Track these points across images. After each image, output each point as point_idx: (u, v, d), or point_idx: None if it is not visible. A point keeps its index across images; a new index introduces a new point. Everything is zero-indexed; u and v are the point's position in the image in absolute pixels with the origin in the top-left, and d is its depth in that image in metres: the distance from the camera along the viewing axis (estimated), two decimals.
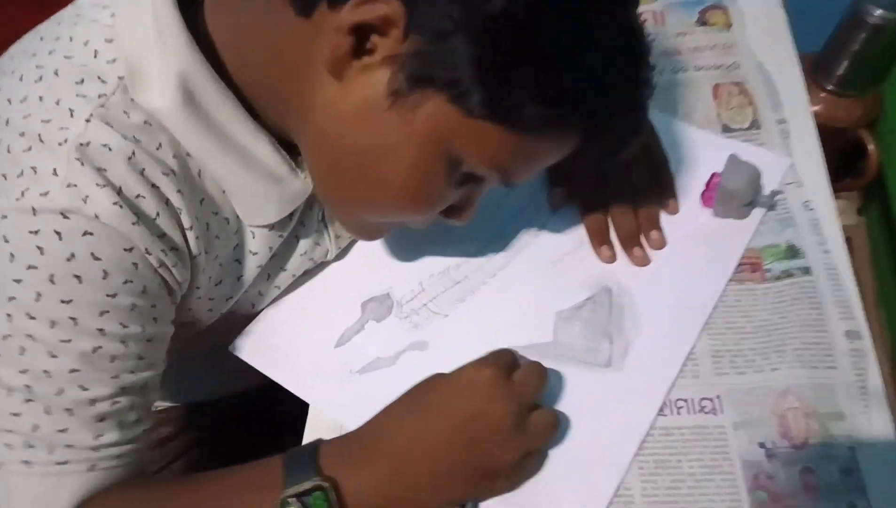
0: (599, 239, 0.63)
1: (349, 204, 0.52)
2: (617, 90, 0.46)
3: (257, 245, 0.55)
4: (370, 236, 0.58)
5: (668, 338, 0.58)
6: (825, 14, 1.18)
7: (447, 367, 0.53)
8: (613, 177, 0.64)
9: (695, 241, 0.63)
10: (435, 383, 0.50)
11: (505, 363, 0.50)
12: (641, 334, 0.58)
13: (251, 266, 0.56)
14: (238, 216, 0.53)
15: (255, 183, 0.51)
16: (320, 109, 0.47)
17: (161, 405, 0.77)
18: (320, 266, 0.64)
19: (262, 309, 0.62)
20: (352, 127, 0.46)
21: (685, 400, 0.55)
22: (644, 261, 0.62)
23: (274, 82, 0.48)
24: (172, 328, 0.52)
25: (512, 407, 0.48)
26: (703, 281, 0.61)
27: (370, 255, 0.65)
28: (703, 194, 0.64)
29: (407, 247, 0.65)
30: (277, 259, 0.59)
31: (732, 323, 0.58)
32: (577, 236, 0.64)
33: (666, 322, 0.59)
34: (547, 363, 0.56)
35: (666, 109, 0.72)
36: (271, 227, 0.55)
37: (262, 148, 0.51)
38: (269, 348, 0.60)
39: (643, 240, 0.63)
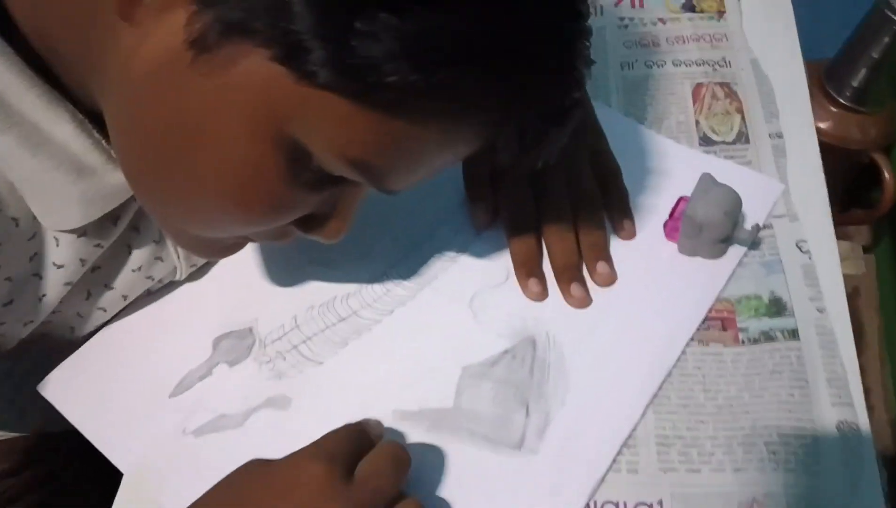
0: (527, 269, 0.49)
1: (164, 206, 0.38)
2: (531, 40, 0.30)
3: (63, 256, 0.41)
4: (209, 253, 0.44)
5: (601, 413, 0.44)
6: (841, 14, 1.03)
7: (308, 436, 0.40)
8: (549, 188, 0.50)
9: (651, 282, 0.49)
10: (252, 476, 0.36)
11: (344, 451, 0.36)
12: (567, 404, 0.44)
13: (55, 282, 0.42)
14: (35, 218, 0.39)
15: (47, 173, 0.37)
16: (115, 68, 0.33)
17: (2, 434, 0.64)
18: (168, 287, 0.50)
19: (86, 334, 0.48)
20: (149, 92, 0.32)
21: (615, 504, 0.41)
22: (583, 302, 0.48)
23: (64, 30, 0.34)
24: None
25: None
26: (656, 337, 0.46)
27: (234, 276, 0.51)
28: (665, 223, 0.50)
29: (283, 268, 0.51)
30: (99, 274, 0.45)
31: (689, 399, 0.44)
32: (504, 266, 0.50)
33: (602, 391, 0.44)
34: (440, 438, 0.43)
35: (629, 111, 0.58)
36: (81, 233, 0.41)
37: (62, 127, 0.37)
38: (82, 389, 0.46)
39: (585, 274, 0.49)
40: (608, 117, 0.55)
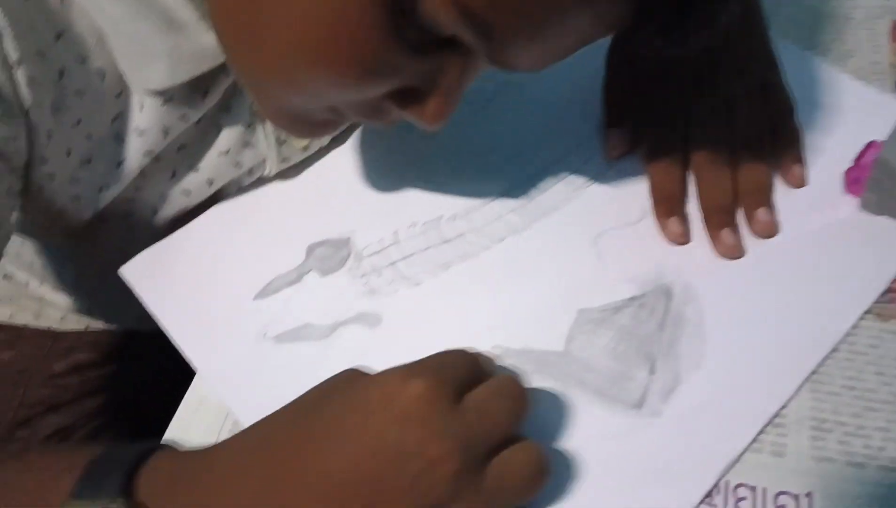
0: (668, 207, 0.42)
1: (250, 61, 0.33)
2: None
3: (146, 121, 0.38)
4: (299, 129, 0.38)
5: (744, 383, 0.36)
6: None
7: (396, 358, 0.35)
8: (704, 118, 0.42)
9: (824, 240, 0.40)
10: (349, 384, 0.31)
11: (453, 373, 0.31)
12: (702, 368, 0.37)
13: (136, 150, 0.39)
14: (122, 76, 0.36)
15: (136, 22, 0.34)
16: None
17: (93, 325, 0.63)
18: (259, 184, 0.46)
19: (169, 221, 0.45)
20: None
21: (753, 489, 0.33)
22: (735, 251, 0.40)
23: None
24: (11, 203, 0.36)
25: (453, 446, 0.28)
26: (823, 305, 0.38)
27: (334, 182, 0.46)
28: (847, 172, 0.41)
29: (388, 178, 0.46)
30: (186, 153, 0.42)
31: (857, 381, 0.36)
32: (639, 204, 0.43)
33: (747, 358, 0.37)
34: (545, 384, 0.36)
35: (809, 44, 0.49)
36: (167, 98, 0.38)
37: None
38: (165, 277, 0.43)
39: (740, 218, 0.41)
40: (784, 51, 0.46)
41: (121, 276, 0.44)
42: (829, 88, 0.46)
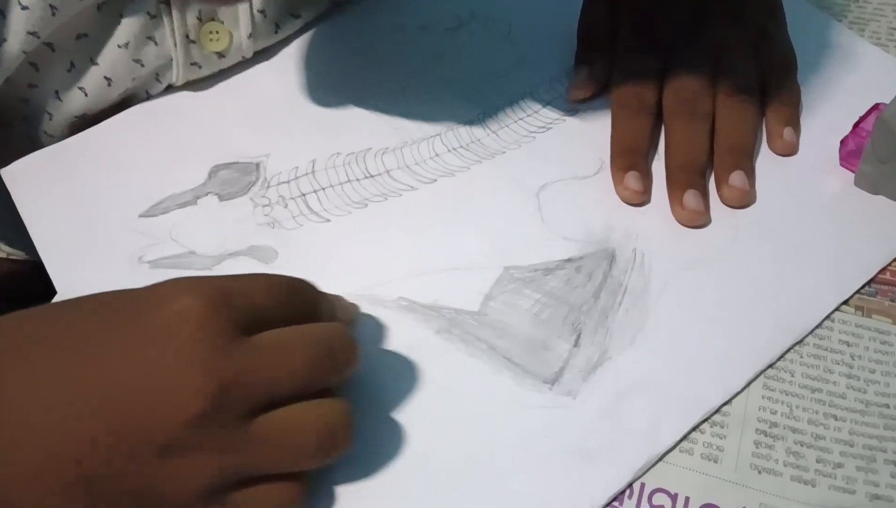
0: (628, 160, 0.36)
1: None
2: None
3: None
4: None
5: (681, 369, 0.30)
6: None
7: None
8: (684, 62, 0.36)
9: (806, 217, 0.34)
10: (140, 294, 0.25)
11: (254, 302, 0.24)
12: (635, 346, 0.31)
13: (18, 27, 0.34)
14: None
15: None
16: None
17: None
18: (173, 98, 0.41)
19: (64, 126, 0.40)
20: None
21: (674, 498, 0.27)
22: (696, 218, 0.34)
23: None
24: None
25: (206, 384, 0.22)
26: (795, 290, 0.32)
27: (253, 98, 0.41)
28: (844, 140, 0.35)
29: (318, 100, 0.40)
30: (84, 42, 0.37)
31: (822, 382, 0.30)
32: (597, 156, 0.37)
33: (690, 341, 0.31)
34: (448, 346, 0.31)
35: (824, 3, 0.42)
36: None
37: None
38: (50, 185, 0.38)
39: (714, 176, 0.36)
40: (793, 8, 0.40)
41: (2, 177, 0.39)
42: (838, 49, 0.40)
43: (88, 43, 0.37)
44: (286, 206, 0.36)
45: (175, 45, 0.38)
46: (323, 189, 0.37)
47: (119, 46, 0.37)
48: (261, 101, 0.41)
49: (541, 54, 0.41)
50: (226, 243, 0.35)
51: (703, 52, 0.37)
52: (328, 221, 0.36)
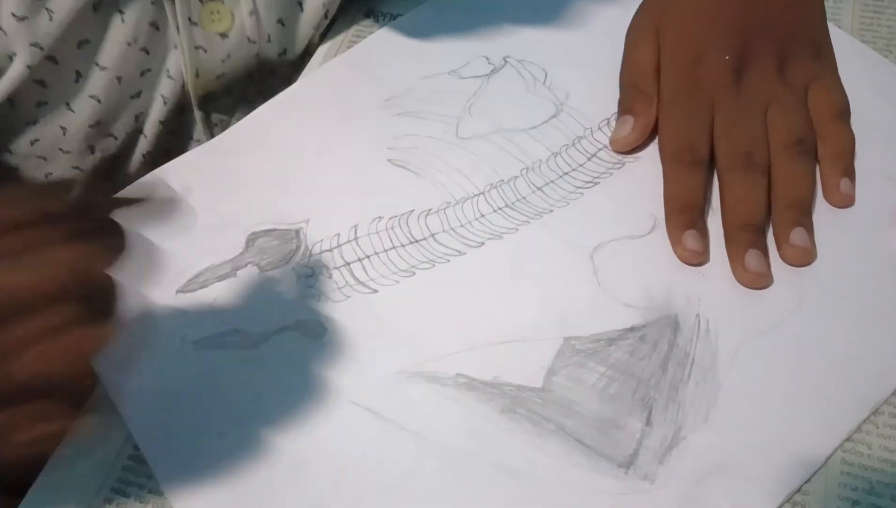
0: (685, 218, 0.35)
1: None
2: None
3: None
4: None
5: (760, 446, 0.29)
6: None
7: (338, 378, 0.29)
8: (735, 115, 0.36)
9: (871, 273, 0.33)
10: None
11: None
12: (710, 423, 0.30)
13: (22, 44, 0.36)
14: None
15: None
16: None
17: None
18: (200, 163, 0.39)
19: (81, 141, 0.41)
20: None
21: None
22: (759, 280, 0.33)
23: None
24: None
25: None
26: (867, 356, 0.31)
27: (292, 156, 0.39)
28: None
29: (353, 162, 0.39)
30: (86, 50, 0.38)
31: None
32: (650, 213, 0.36)
33: (766, 415, 0.30)
34: (514, 426, 0.30)
35: (867, 37, 0.41)
36: None
37: None
38: None
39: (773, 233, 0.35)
40: (839, 46, 0.39)
41: None
42: (888, 88, 0.39)
43: (91, 48, 0.38)
44: (331, 276, 0.35)
45: (178, 28, 0.39)
46: (367, 257, 0.35)
47: (123, 44, 0.38)
48: (292, 158, 0.39)
49: (581, 102, 0.40)
50: (270, 317, 0.34)
51: (753, 100, 0.36)
52: (376, 291, 0.34)
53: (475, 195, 0.37)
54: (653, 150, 0.38)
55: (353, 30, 0.45)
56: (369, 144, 0.39)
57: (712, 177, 0.36)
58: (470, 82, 0.41)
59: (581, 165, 0.38)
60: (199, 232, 0.37)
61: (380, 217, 0.37)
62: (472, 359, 0.32)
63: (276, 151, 0.40)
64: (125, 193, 0.26)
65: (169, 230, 0.27)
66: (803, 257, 0.33)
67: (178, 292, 0.35)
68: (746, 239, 0.33)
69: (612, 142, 0.38)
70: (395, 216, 0.37)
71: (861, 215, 0.35)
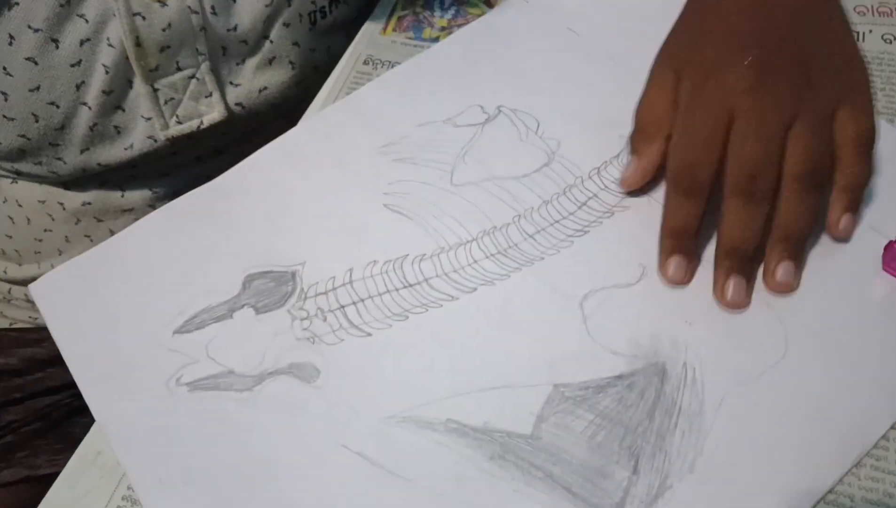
0: (677, 242, 0.35)
1: None
2: None
3: None
4: None
5: (749, 497, 0.29)
6: None
7: (335, 421, 0.29)
8: (749, 138, 0.34)
9: (855, 322, 0.34)
10: None
11: None
12: (697, 471, 0.30)
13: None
14: None
15: None
16: None
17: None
18: (200, 203, 0.40)
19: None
20: None
21: None
22: (737, 305, 0.34)
23: None
24: None
25: None
26: (850, 408, 0.32)
27: (287, 203, 0.40)
28: (888, 246, 0.35)
29: (348, 206, 0.40)
30: (17, 5, 0.41)
31: (884, 505, 0.29)
32: (638, 261, 0.37)
33: (756, 465, 0.30)
34: (502, 473, 0.30)
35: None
36: None
37: None
38: (78, 299, 0.37)
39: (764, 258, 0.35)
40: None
41: (31, 293, 0.38)
42: (883, 144, 0.40)
43: (22, 10, 0.40)
44: (325, 319, 0.36)
45: None
46: (362, 300, 0.36)
47: (55, 6, 0.40)
48: (289, 201, 0.40)
49: (572, 152, 0.41)
50: (265, 359, 0.34)
51: (774, 110, 0.35)
52: (369, 335, 0.35)
53: (468, 241, 0.38)
54: (642, 199, 0.39)
55: (351, 76, 0.47)
56: (365, 188, 0.40)
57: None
58: (465, 130, 0.43)
59: (572, 214, 0.39)
60: (197, 273, 0.37)
61: (375, 261, 0.37)
62: (462, 404, 0.33)
63: (273, 194, 0.40)
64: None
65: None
66: (785, 291, 0.34)
67: (174, 332, 0.35)
68: (731, 266, 0.34)
69: (622, 180, 0.38)
70: (390, 260, 0.37)
71: (847, 264, 0.36)
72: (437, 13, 0.49)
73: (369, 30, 0.49)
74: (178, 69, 0.45)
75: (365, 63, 0.47)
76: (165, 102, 0.46)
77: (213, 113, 0.47)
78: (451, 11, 0.49)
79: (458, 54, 0.46)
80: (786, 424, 0.31)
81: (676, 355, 0.34)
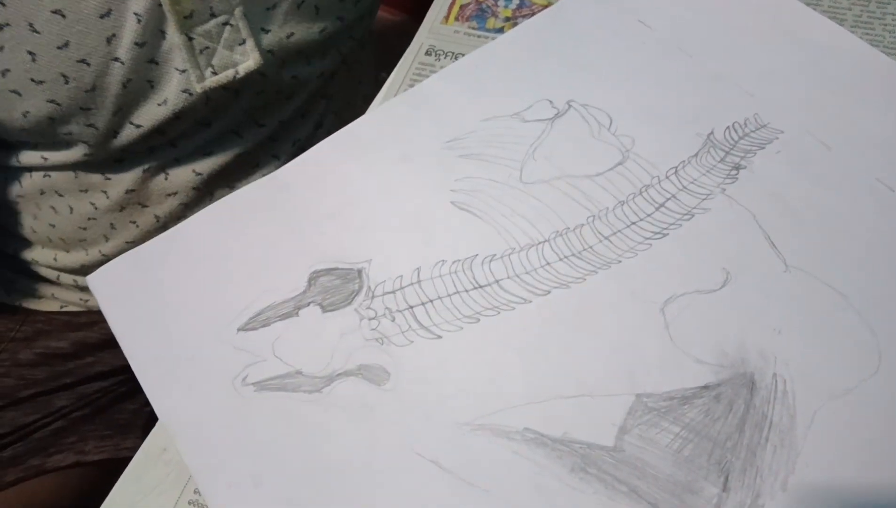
0: None
1: None
2: None
3: None
4: None
5: None
6: None
7: (400, 428, 0.28)
8: None
9: None
10: None
11: None
12: (790, 490, 0.29)
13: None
14: None
15: None
16: None
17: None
18: (251, 187, 0.39)
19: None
20: None
21: None
22: None
23: None
24: None
25: None
26: None
27: (355, 199, 0.39)
28: None
29: (417, 202, 0.38)
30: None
31: None
32: (720, 265, 0.35)
33: (852, 483, 0.29)
34: (584, 486, 0.29)
35: None
36: None
37: None
38: (138, 292, 0.36)
39: None
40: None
41: (88, 284, 0.37)
42: None
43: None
44: (393, 319, 0.34)
45: None
46: (431, 301, 0.35)
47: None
48: (352, 196, 0.39)
49: (647, 151, 0.39)
50: (333, 360, 0.33)
51: None
52: (439, 337, 0.34)
53: (540, 242, 0.37)
54: (722, 201, 0.37)
55: (413, 66, 0.45)
56: (432, 185, 0.39)
57: None
58: (533, 126, 0.41)
59: (649, 215, 0.37)
60: (260, 268, 0.36)
61: (443, 261, 0.36)
62: (538, 412, 0.31)
63: (335, 188, 0.39)
64: None
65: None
66: None
67: (239, 330, 0.34)
68: None
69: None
70: (459, 260, 0.36)
71: None
72: (502, 2, 0.48)
73: (430, 18, 0.47)
74: (213, 15, 0.43)
75: (427, 53, 0.46)
76: (200, 52, 0.44)
77: (248, 61, 0.45)
78: (516, 1, 0.48)
79: (524, 46, 0.45)
80: (879, 443, 0.30)
81: (765, 365, 0.32)
